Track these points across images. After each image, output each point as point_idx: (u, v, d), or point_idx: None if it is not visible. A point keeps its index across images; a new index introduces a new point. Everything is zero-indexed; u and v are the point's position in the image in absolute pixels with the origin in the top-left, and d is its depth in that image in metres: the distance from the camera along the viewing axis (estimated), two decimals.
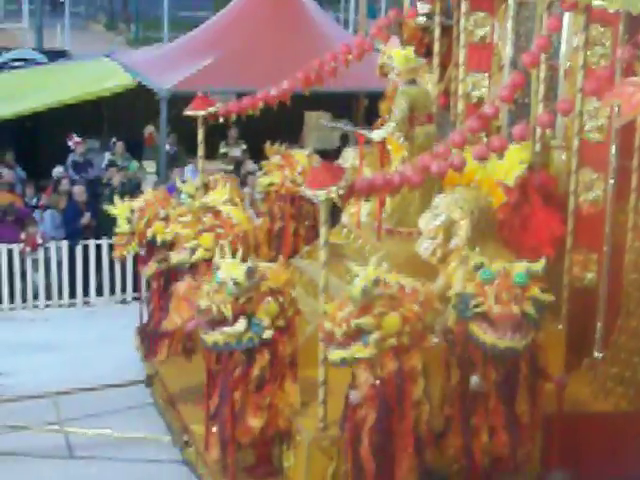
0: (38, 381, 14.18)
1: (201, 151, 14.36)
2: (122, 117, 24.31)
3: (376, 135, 12.09)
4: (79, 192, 19.45)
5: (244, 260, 10.52)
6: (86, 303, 19.00)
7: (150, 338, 13.08)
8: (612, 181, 11.09)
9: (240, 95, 17.11)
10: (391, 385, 9.41)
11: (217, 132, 19.98)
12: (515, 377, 9.78)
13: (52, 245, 18.86)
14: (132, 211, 13.21)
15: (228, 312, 10.08)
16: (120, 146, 23.69)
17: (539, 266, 9.71)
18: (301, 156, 14.12)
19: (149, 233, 12.91)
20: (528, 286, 9.57)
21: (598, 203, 11.30)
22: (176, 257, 12.32)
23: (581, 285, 11.40)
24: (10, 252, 18.83)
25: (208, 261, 11.66)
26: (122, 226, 13.28)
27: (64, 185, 20.66)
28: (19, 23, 29.12)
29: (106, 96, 24.31)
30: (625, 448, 10.16)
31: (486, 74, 12.34)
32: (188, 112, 14.03)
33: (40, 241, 18.83)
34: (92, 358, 15.03)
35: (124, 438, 12.55)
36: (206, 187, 14.04)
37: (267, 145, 14.65)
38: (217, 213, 12.55)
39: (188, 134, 19.28)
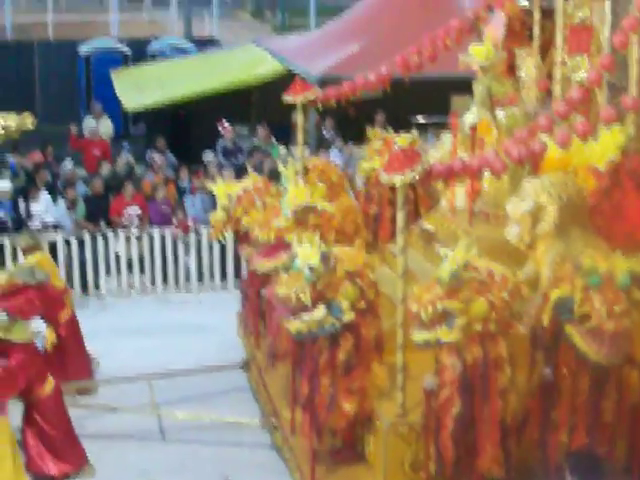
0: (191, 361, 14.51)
1: (300, 136, 14.26)
2: (270, 103, 24.33)
3: (466, 120, 11.83)
4: (228, 177, 19.20)
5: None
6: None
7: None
8: None
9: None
10: (476, 371, 9.30)
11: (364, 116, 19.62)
12: (605, 383, 9.51)
13: (203, 229, 18.73)
14: (230, 198, 13.13)
15: (307, 299, 10.06)
16: (263, 131, 23.54)
17: (638, 264, 9.43)
18: (403, 141, 13.88)
19: (244, 223, 12.77)
20: (632, 289, 9.30)
21: None
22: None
23: None
24: (163, 236, 19.02)
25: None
26: (218, 213, 13.21)
27: (214, 170, 20.80)
28: (167, 11, 29.33)
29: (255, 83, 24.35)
30: None
31: (586, 56, 11.74)
32: (286, 98, 13.95)
33: (192, 225, 18.71)
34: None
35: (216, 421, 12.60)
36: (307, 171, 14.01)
37: (369, 129, 14.50)
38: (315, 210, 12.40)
39: (342, 119, 19.44)
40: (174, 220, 19.38)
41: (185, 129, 25.42)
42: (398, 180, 9.41)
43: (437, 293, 9.18)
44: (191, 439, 12.41)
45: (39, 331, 12.42)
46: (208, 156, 22.66)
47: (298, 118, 14.23)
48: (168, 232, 19.19)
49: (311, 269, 10.01)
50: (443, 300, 9.11)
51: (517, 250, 10.56)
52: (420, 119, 20.95)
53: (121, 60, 27.83)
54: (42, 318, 13.63)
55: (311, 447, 10.54)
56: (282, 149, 23.24)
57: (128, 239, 19.16)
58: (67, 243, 18.79)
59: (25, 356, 11.57)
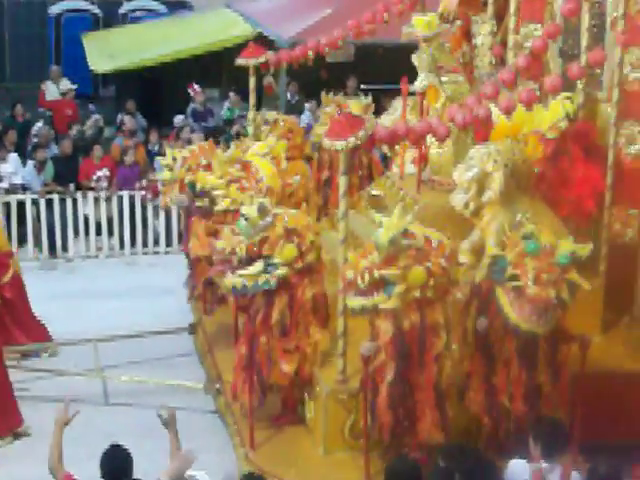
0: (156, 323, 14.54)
1: (252, 99, 14.26)
2: (241, 67, 24.25)
3: (415, 86, 11.78)
4: (197, 140, 19.12)
5: None
6: None
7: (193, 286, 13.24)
8: None
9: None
10: (413, 337, 9.26)
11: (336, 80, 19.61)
12: (533, 351, 9.54)
13: None
14: (174, 159, 13.07)
15: (242, 251, 10.12)
16: (234, 96, 23.43)
17: (585, 251, 9.36)
18: (356, 106, 13.88)
19: (186, 180, 12.68)
20: (569, 268, 9.20)
21: None
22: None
23: (621, 241, 10.97)
24: (132, 198, 19.08)
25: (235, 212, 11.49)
26: (164, 173, 13.16)
27: (185, 133, 20.80)
28: None
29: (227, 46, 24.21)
30: None
31: (540, 25, 11.69)
32: (239, 61, 13.95)
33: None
34: None
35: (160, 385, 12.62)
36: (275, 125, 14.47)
37: (323, 94, 14.50)
38: (246, 165, 12.32)
39: (308, 82, 19.34)
40: (143, 183, 19.16)
41: (156, 92, 25.35)
42: (339, 145, 9.28)
43: (374, 260, 9.12)
44: (134, 403, 12.38)
45: None
46: (178, 119, 22.55)
47: (250, 81, 14.25)
48: (137, 195, 19.11)
49: (247, 219, 10.03)
50: (381, 268, 9.03)
51: (463, 218, 10.46)
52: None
53: (91, 21, 27.80)
54: None
55: (250, 409, 10.51)
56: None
57: (97, 201, 19.11)
58: (35, 204, 18.74)
59: None
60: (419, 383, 9.37)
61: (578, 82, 11.12)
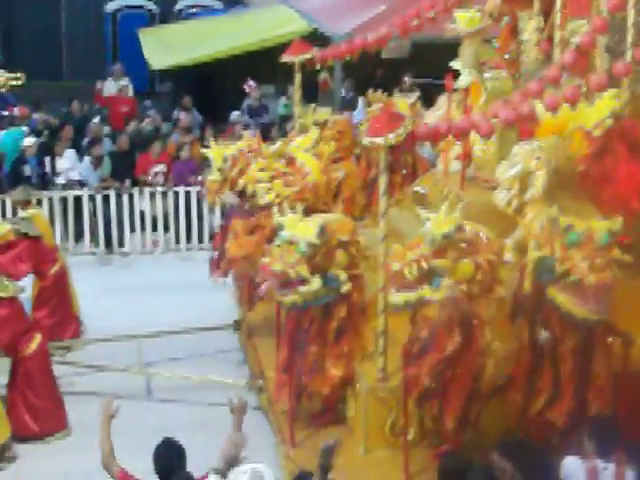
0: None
1: (297, 96, 14.29)
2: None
3: (459, 82, 11.77)
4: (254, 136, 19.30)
5: (306, 213, 10.60)
6: None
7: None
8: None
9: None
10: (459, 327, 9.22)
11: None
12: (592, 346, 9.53)
13: None
14: (225, 160, 13.07)
15: (306, 273, 10.03)
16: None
17: (618, 224, 9.35)
18: (403, 104, 13.84)
19: (240, 183, 12.69)
20: (611, 246, 9.22)
21: None
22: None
23: None
24: (188, 194, 19.25)
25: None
26: (214, 173, 13.14)
27: (239, 129, 20.68)
28: None
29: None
30: None
31: (586, 20, 11.56)
32: (285, 58, 13.99)
33: None
34: None
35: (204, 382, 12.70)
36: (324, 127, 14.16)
37: (370, 92, 14.50)
38: (292, 160, 12.32)
39: (363, 79, 19.32)
40: (199, 179, 19.05)
41: (211, 88, 25.42)
42: (379, 142, 9.29)
43: (423, 252, 9.08)
44: (177, 399, 12.52)
45: (23, 288, 12.38)
46: (234, 115, 22.78)
47: (296, 77, 14.31)
48: (193, 190, 19.23)
49: (310, 245, 9.97)
50: (429, 259, 9.01)
51: (506, 215, 10.40)
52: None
53: (148, 18, 28.10)
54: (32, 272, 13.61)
55: (291, 410, 10.56)
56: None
57: (153, 197, 19.37)
58: (92, 200, 19.03)
59: (9, 311, 11.62)
60: (458, 376, 9.36)
61: (624, 79, 11.04)
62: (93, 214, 19.02)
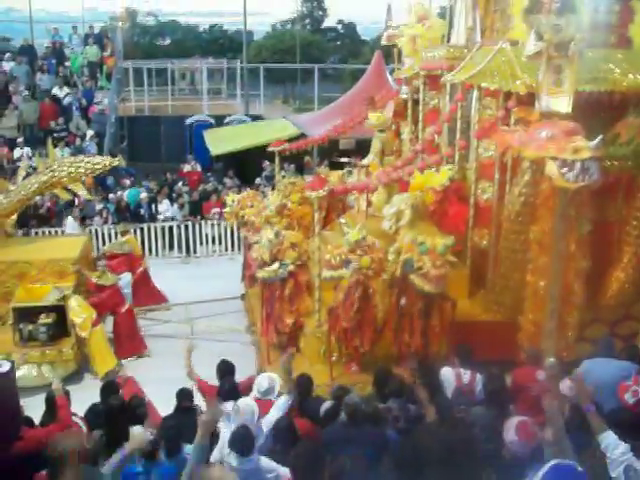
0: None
1: (277, 169, 14.40)
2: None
3: (364, 162, 11.84)
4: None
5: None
6: None
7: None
8: (496, 187, 10.39)
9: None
10: (361, 292, 9.50)
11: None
12: (431, 304, 9.58)
13: None
14: (233, 201, 13.22)
15: (267, 257, 10.04)
16: (287, 166, 23.48)
17: (450, 240, 9.47)
18: (334, 175, 13.90)
19: (240, 215, 12.81)
20: (446, 253, 9.36)
21: (489, 200, 10.67)
22: None
23: (479, 248, 10.94)
24: None
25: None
26: (227, 209, 13.30)
27: (261, 188, 20.63)
28: (235, 99, 29.41)
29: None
30: (497, 341, 9.42)
31: (435, 127, 11.66)
32: (270, 148, 14.05)
33: None
34: None
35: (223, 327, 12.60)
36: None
37: (318, 169, 14.62)
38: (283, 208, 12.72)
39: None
40: None
41: (244, 165, 25.38)
42: (313, 195, 9.36)
43: (342, 249, 9.43)
44: (210, 338, 12.40)
45: (120, 278, 12.42)
46: (257, 180, 22.72)
47: (276, 160, 14.29)
48: None
49: (269, 240, 10.09)
50: (346, 253, 9.32)
51: (389, 235, 10.47)
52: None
53: (209, 125, 27.81)
54: (128, 271, 13.59)
55: (269, 342, 10.56)
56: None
57: (212, 225, 19.07)
58: (178, 227, 18.83)
59: (111, 291, 11.67)
60: (364, 318, 9.51)
61: (456, 157, 11.14)
62: (179, 235, 18.80)
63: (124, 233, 14.21)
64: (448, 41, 12.08)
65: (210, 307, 13.62)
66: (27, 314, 11.10)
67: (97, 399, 7.71)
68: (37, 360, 10.91)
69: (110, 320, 12.19)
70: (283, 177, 15.02)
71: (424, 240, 9.43)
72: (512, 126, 9.68)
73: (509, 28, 10.54)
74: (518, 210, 9.65)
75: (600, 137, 8.19)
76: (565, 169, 8.10)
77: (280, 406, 7.16)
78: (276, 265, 10.20)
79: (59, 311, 11.10)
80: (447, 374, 7.96)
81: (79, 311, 10.97)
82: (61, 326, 11.20)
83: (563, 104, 8.57)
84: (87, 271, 11.97)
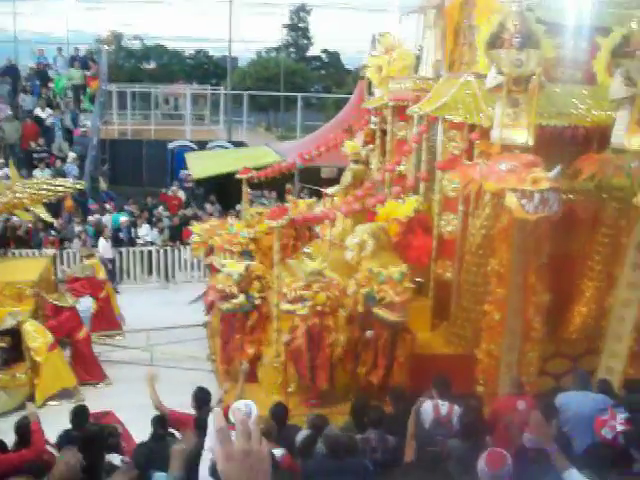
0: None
1: (245, 196, 14.19)
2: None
3: (330, 191, 11.75)
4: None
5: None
6: None
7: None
8: (460, 220, 10.29)
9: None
10: (314, 331, 9.36)
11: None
12: (396, 335, 9.55)
13: None
14: (202, 230, 13.08)
15: (235, 291, 9.93)
16: (269, 193, 23.37)
17: (404, 268, 9.53)
18: (303, 202, 13.80)
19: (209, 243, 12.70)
20: (403, 280, 9.31)
21: (453, 233, 10.57)
22: None
23: (442, 279, 10.84)
24: None
25: None
26: (195, 238, 13.13)
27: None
28: (218, 125, 29.33)
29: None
30: (458, 374, 9.25)
31: (404, 157, 11.59)
32: (238, 176, 13.95)
33: None
34: None
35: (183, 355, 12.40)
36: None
37: (288, 196, 14.56)
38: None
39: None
40: None
41: (225, 191, 25.24)
42: (273, 224, 9.25)
43: (299, 284, 9.33)
44: (169, 365, 12.14)
45: (79, 301, 12.17)
46: (237, 207, 22.37)
47: (243, 187, 14.15)
48: None
49: (240, 275, 9.99)
50: (302, 289, 9.23)
51: (351, 265, 10.35)
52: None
53: (190, 150, 27.76)
54: (90, 296, 13.31)
55: (224, 372, 10.41)
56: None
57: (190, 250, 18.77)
58: (157, 252, 18.56)
59: (69, 314, 11.47)
60: (320, 357, 9.31)
61: (421, 189, 11.07)
62: (158, 260, 18.49)
63: (88, 257, 13.98)
64: (416, 72, 12.06)
65: (173, 333, 13.35)
66: None
67: (49, 425, 7.47)
68: None
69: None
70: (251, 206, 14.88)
71: (380, 270, 9.36)
72: (475, 158, 9.62)
73: (476, 61, 10.51)
74: (479, 243, 9.60)
75: (558, 167, 8.16)
76: (524, 200, 8.09)
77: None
78: (242, 297, 10.10)
79: (14, 335, 10.85)
80: (425, 406, 7.84)
81: (35, 336, 10.75)
82: (16, 350, 10.96)
83: (523, 136, 8.56)
84: (45, 294, 11.75)
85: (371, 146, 13.01)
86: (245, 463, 2.06)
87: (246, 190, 14.20)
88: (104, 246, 17.00)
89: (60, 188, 12.25)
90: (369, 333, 9.47)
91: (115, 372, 11.94)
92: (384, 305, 9.28)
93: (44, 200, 12.24)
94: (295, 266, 11.37)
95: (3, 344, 10.79)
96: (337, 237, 11.33)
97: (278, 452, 6.87)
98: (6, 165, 22.33)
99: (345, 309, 9.68)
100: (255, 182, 16.71)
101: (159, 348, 12.46)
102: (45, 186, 12.04)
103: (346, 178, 11.82)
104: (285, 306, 9.36)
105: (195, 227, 13.69)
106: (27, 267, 12.47)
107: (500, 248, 8.99)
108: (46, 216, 13.00)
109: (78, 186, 12.31)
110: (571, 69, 10.09)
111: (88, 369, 11.59)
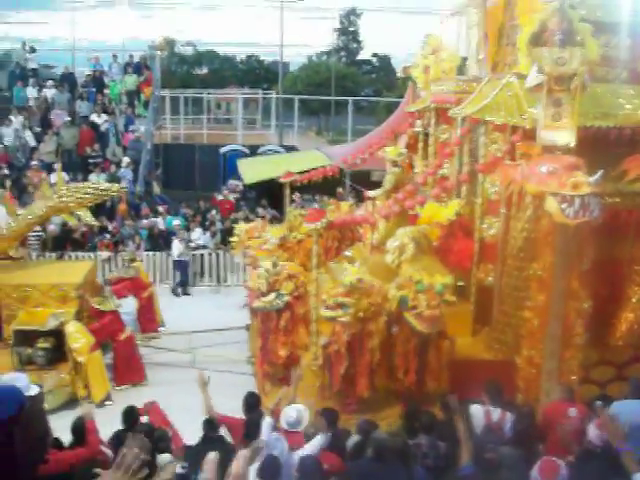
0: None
1: (287, 200, 14.12)
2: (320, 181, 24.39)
3: (371, 193, 11.62)
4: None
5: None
6: None
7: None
8: (501, 223, 10.08)
9: None
10: (355, 337, 9.19)
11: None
12: (427, 342, 9.34)
13: None
14: (241, 230, 13.09)
15: (264, 288, 9.87)
16: (320, 197, 23.30)
17: (450, 280, 9.28)
18: (345, 205, 13.69)
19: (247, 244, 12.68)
20: (445, 293, 9.11)
21: (495, 236, 10.33)
22: None
23: (484, 284, 10.66)
24: None
25: None
26: (235, 239, 13.15)
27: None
28: (270, 129, 29.36)
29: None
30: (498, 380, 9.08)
31: (446, 160, 11.42)
32: (281, 180, 13.91)
33: None
34: None
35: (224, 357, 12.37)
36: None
37: (326, 199, 14.46)
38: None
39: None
40: None
41: (278, 194, 25.28)
42: (311, 227, 9.19)
43: (339, 291, 9.13)
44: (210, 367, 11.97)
45: (120, 305, 12.28)
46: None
47: (286, 191, 14.12)
48: None
49: (267, 270, 9.94)
50: (343, 296, 9.06)
51: (392, 268, 10.21)
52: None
53: (243, 155, 27.84)
54: (134, 296, 13.47)
55: (263, 373, 10.35)
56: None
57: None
58: (209, 255, 18.76)
59: (110, 318, 11.56)
60: (360, 363, 9.21)
61: (463, 191, 10.90)
62: (210, 263, 18.68)
63: (132, 261, 14.13)
64: (461, 74, 11.87)
65: (218, 336, 13.37)
66: (27, 338, 11.11)
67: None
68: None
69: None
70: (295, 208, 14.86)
71: (421, 278, 9.18)
72: (517, 160, 9.39)
73: (518, 62, 10.28)
74: (520, 246, 9.40)
75: (600, 172, 7.91)
76: (565, 204, 7.88)
77: (315, 444, 7.01)
78: (272, 296, 10.06)
79: (58, 336, 11.03)
80: (476, 412, 7.71)
81: (77, 336, 10.90)
82: (59, 351, 11.17)
83: (565, 137, 8.31)
84: (89, 297, 11.92)
85: (404, 150, 12.91)
86: None
87: (287, 193, 14.12)
88: (178, 248, 17.16)
89: (105, 192, 12.42)
90: (394, 330, 9.34)
91: (156, 374, 12.02)
92: (414, 313, 9.13)
93: (89, 204, 12.41)
94: (336, 269, 11.32)
95: (47, 344, 10.98)
96: (379, 240, 11.19)
97: (316, 443, 6.90)
98: (63, 170, 22.85)
99: (386, 313, 9.54)
100: (306, 186, 16.73)
101: (200, 351, 12.50)
102: (90, 190, 12.21)
103: (388, 181, 11.69)
104: (326, 312, 9.23)
105: (237, 227, 13.74)
106: (72, 270, 12.66)
107: (542, 252, 8.78)
108: (90, 220, 13.18)
109: (123, 189, 12.38)
110: (617, 68, 9.77)
111: (127, 370, 11.70)
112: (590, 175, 7.91)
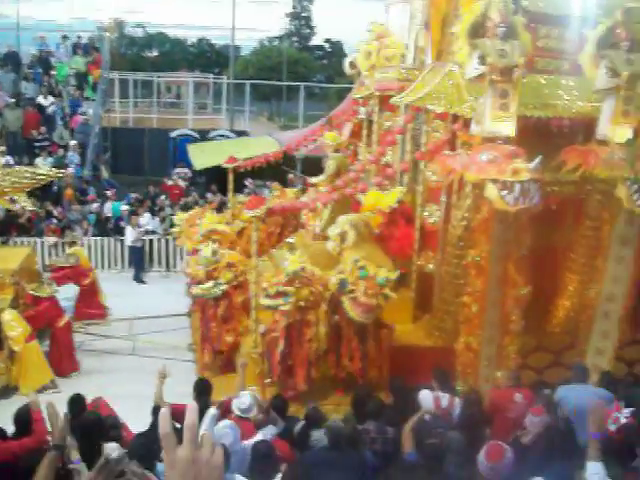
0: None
1: (231, 185, 13.94)
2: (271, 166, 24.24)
3: (313, 180, 11.56)
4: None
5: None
6: None
7: None
8: (442, 211, 10.07)
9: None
10: (294, 326, 9.22)
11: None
12: (364, 330, 9.37)
13: None
14: (181, 219, 12.91)
15: (202, 275, 9.78)
16: (272, 184, 23.17)
17: (394, 275, 9.26)
18: (291, 191, 13.61)
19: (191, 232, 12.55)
20: (385, 286, 9.08)
21: (436, 224, 10.33)
22: None
23: (425, 271, 10.66)
24: None
25: None
26: (176, 226, 12.98)
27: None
28: (220, 114, 29.06)
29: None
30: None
31: (389, 147, 11.37)
32: (224, 165, 13.74)
33: None
34: None
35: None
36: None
37: (273, 184, 14.37)
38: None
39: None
40: None
41: (226, 180, 25.07)
42: (250, 214, 9.09)
43: (280, 280, 9.07)
44: (149, 354, 11.98)
45: (58, 290, 12.00)
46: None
47: (229, 176, 13.95)
48: None
49: (205, 258, 9.84)
50: (284, 285, 9.02)
51: (333, 256, 10.16)
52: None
53: (193, 140, 27.41)
54: (74, 284, 13.16)
55: (204, 361, 10.26)
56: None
57: None
58: (159, 241, 18.51)
59: (47, 304, 11.33)
60: (299, 354, 9.17)
61: (404, 179, 10.88)
62: (159, 249, 18.47)
63: (72, 244, 13.83)
64: (404, 62, 11.82)
65: (160, 322, 13.15)
66: None
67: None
68: None
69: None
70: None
71: (365, 265, 9.12)
72: (458, 149, 9.39)
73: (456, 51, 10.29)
74: (460, 234, 9.42)
75: (539, 158, 7.96)
76: (505, 191, 7.93)
77: (266, 434, 7.00)
78: (210, 284, 9.95)
79: None
80: (425, 397, 7.74)
81: (13, 325, 10.63)
82: None
83: (507, 128, 8.34)
84: (26, 283, 11.62)
85: (343, 137, 12.85)
86: (189, 472, 1.94)
87: (231, 179, 13.95)
88: (132, 234, 16.88)
89: (43, 176, 12.11)
90: (335, 317, 9.34)
91: (96, 361, 11.82)
92: (350, 297, 9.10)
93: (26, 188, 12.08)
94: (278, 256, 11.24)
95: None
96: (322, 227, 11.14)
97: (268, 431, 6.92)
98: (8, 153, 22.25)
99: (326, 302, 9.49)
100: (259, 172, 16.56)
101: (141, 337, 12.31)
102: (28, 174, 11.89)
103: (329, 167, 11.67)
104: (266, 301, 9.16)
105: (177, 216, 13.52)
106: (8, 256, 12.34)
107: (480, 240, 8.82)
108: (27, 204, 12.84)
109: (61, 175, 12.08)
110: (557, 60, 9.82)
111: (67, 359, 11.45)
112: (529, 163, 7.96)
